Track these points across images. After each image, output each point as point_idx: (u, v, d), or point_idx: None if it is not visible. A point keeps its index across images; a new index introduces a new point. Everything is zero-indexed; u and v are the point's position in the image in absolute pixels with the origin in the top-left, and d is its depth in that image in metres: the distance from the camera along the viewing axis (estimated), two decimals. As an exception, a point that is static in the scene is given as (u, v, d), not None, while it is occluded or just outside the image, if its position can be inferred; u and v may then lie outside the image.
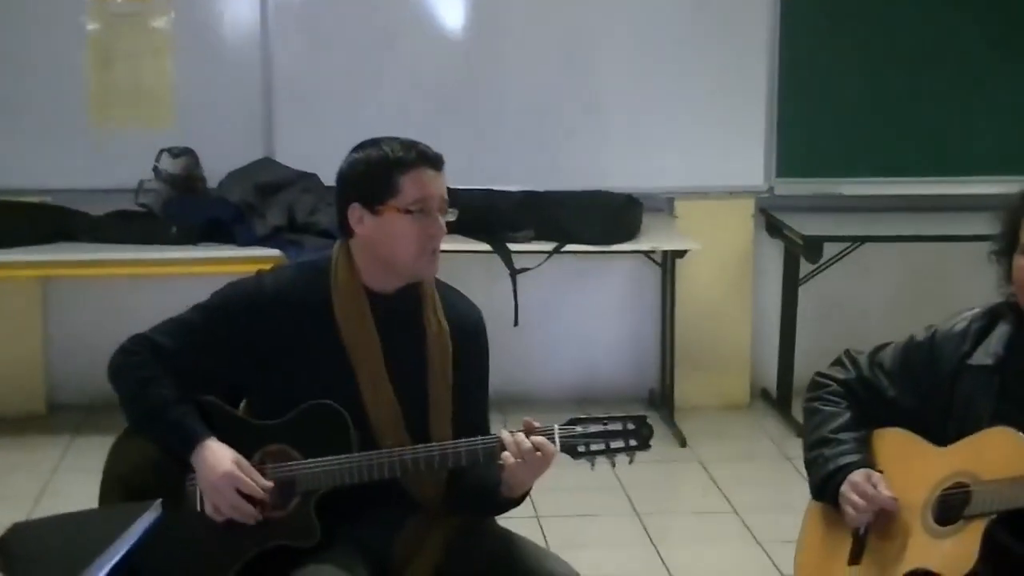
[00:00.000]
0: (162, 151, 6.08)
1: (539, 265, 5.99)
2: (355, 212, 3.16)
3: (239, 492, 3.09)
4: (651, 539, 5.07)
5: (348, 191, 3.18)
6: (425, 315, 3.22)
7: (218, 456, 3.11)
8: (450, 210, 3.18)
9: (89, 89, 6.24)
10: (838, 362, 3.42)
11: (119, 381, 3.22)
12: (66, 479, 5.55)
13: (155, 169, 6.07)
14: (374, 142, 3.18)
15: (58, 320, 6.48)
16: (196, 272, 5.69)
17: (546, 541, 4.96)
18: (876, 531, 3.17)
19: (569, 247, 6.00)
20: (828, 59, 6.45)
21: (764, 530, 5.12)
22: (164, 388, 3.16)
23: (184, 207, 5.99)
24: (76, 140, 6.23)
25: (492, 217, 6.03)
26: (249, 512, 3.11)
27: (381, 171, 3.13)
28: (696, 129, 6.45)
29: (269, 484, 3.12)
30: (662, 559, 4.90)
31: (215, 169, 6.14)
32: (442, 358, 3.21)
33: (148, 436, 3.21)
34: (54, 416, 6.39)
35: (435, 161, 3.14)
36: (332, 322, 3.18)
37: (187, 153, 6.11)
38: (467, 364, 3.25)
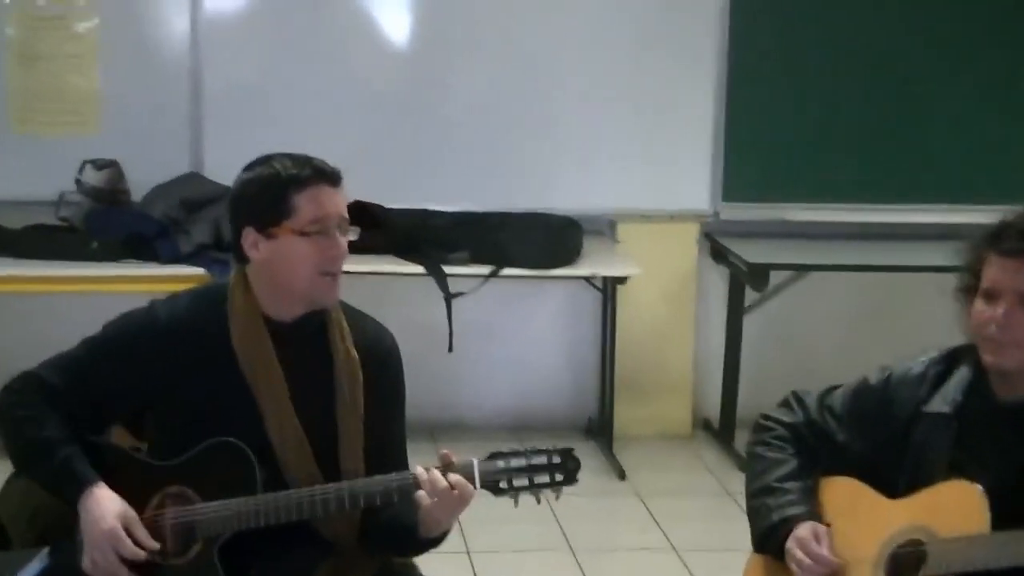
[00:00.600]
0: (85, 162, 5.87)
1: (475, 289, 5.81)
2: (249, 236, 2.96)
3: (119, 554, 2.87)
4: (586, 577, 4.89)
5: (240, 214, 2.99)
6: (332, 343, 3.02)
7: (103, 508, 2.89)
8: (352, 228, 2.98)
9: (9, 93, 6.00)
10: (785, 403, 3.23)
11: (4, 420, 3.01)
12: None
13: (77, 181, 5.85)
14: (265, 159, 3.00)
15: (-25, 337, 6.23)
16: (118, 290, 5.47)
17: (475, 577, 4.80)
18: None
19: (507, 271, 5.82)
20: (777, 81, 6.31)
21: (705, 570, 4.95)
22: (50, 429, 2.95)
23: (106, 221, 5.77)
24: (-4, 148, 6.00)
25: (426, 237, 5.87)
26: None
27: (273, 191, 2.93)
28: (640, 150, 6.29)
29: (155, 546, 2.90)
30: (597, 599, 4.72)
31: (140, 182, 5.93)
32: (351, 387, 3.01)
33: (35, 479, 2.99)
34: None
35: (332, 177, 2.95)
36: (231, 353, 2.97)
37: (111, 165, 5.90)
38: (380, 393, 3.06)
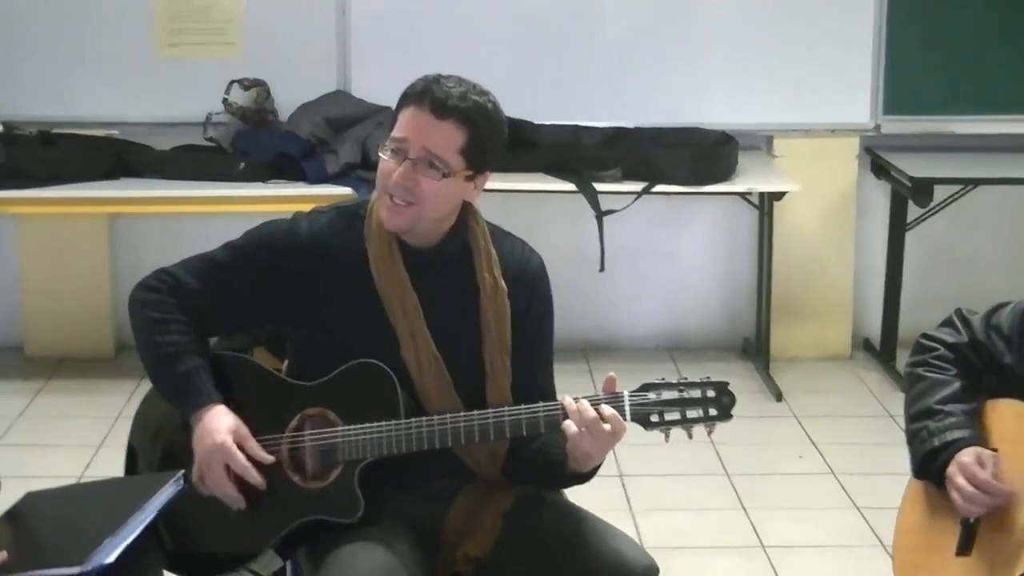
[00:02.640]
0: (232, 82, 5.85)
1: (627, 207, 5.65)
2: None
3: (230, 470, 2.80)
4: (742, 503, 4.75)
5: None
6: (477, 272, 2.89)
7: (216, 422, 2.82)
8: (429, 171, 2.79)
9: (156, 17, 5.98)
10: (948, 323, 3.05)
11: (134, 318, 2.95)
12: (128, 428, 5.32)
13: (224, 101, 5.84)
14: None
15: (125, 258, 6.25)
16: (265, 210, 5.39)
17: (630, 503, 4.72)
18: (988, 520, 2.80)
19: (659, 188, 5.66)
20: (940, -13, 6.04)
21: (864, 495, 4.78)
22: (180, 335, 2.88)
23: (253, 142, 5.75)
24: (142, 71, 6.01)
25: (577, 155, 5.74)
26: (232, 496, 2.82)
27: (396, 107, 2.84)
28: (797, 62, 6.07)
29: (269, 459, 2.81)
30: (753, 525, 4.59)
31: (286, 102, 5.89)
32: (498, 319, 2.89)
33: (156, 385, 2.95)
34: (122, 358, 6.17)
35: (435, 104, 2.77)
36: (369, 275, 2.87)
37: (258, 85, 5.87)
38: (528, 322, 2.93)
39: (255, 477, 2.80)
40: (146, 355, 2.93)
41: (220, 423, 2.81)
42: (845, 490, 4.85)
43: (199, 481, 2.83)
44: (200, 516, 2.84)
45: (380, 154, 2.84)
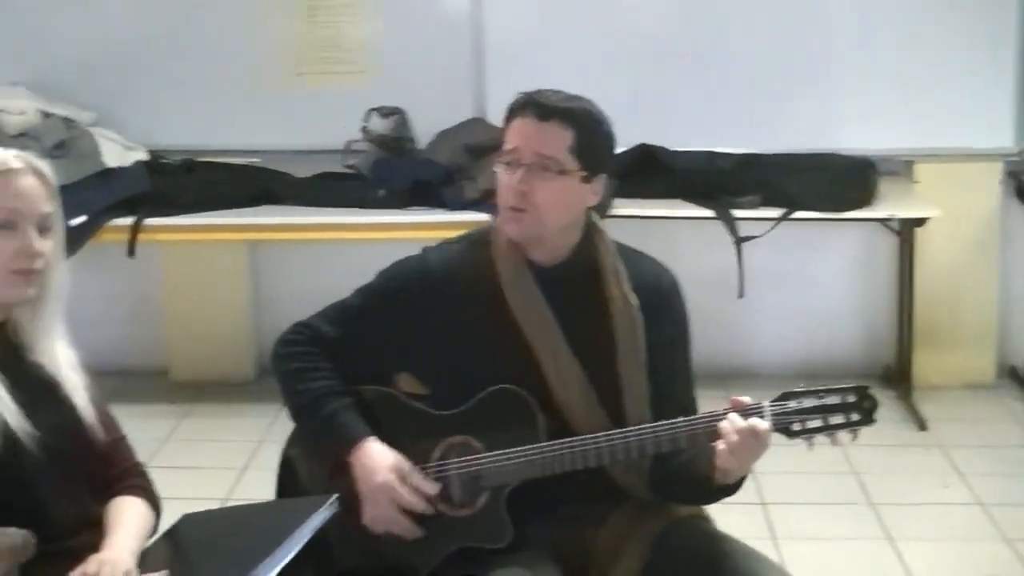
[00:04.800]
0: (371, 110, 5.90)
1: (766, 233, 5.61)
2: None
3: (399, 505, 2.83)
4: (887, 532, 4.67)
5: None
6: (606, 287, 2.89)
7: (376, 461, 2.85)
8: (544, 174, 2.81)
9: (297, 46, 6.08)
10: None
11: (277, 372, 3.01)
12: (271, 451, 5.34)
13: (363, 129, 5.89)
14: None
15: (266, 284, 6.36)
16: (404, 237, 5.48)
17: (772, 530, 4.66)
18: None
19: (798, 214, 5.61)
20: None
21: (1014, 527, 4.68)
22: (323, 380, 2.93)
23: (392, 169, 5.78)
24: (284, 99, 6.11)
25: (714, 180, 5.70)
26: (407, 529, 2.84)
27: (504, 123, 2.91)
28: (937, 85, 5.97)
29: (433, 490, 2.84)
30: (899, 555, 4.51)
31: (424, 129, 5.93)
32: (631, 336, 2.88)
33: (305, 432, 2.99)
34: (263, 383, 6.24)
35: (538, 109, 2.83)
36: (503, 298, 2.89)
37: (396, 113, 5.92)
38: (662, 337, 2.92)
39: (424, 508, 2.83)
40: (292, 405, 3.00)
41: (380, 462, 2.85)
42: (993, 521, 4.75)
43: (371, 522, 2.86)
44: (355, 548, 2.87)
45: (495, 170, 2.86)
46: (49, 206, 2.68)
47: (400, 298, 2.93)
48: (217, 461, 5.30)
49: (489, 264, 2.91)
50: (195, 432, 5.70)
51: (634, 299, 2.89)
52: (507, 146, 2.85)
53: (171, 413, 5.86)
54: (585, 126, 2.84)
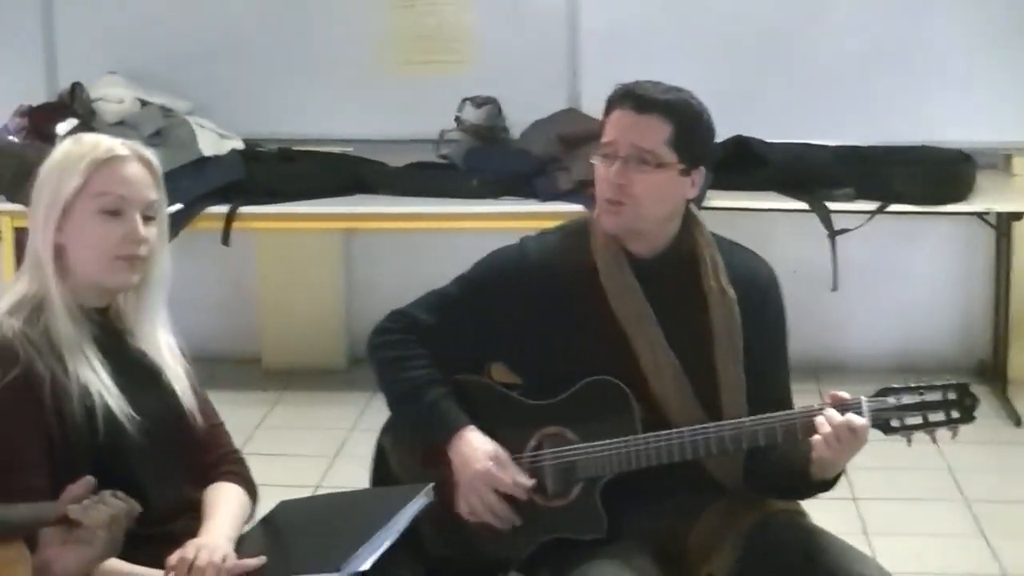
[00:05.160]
0: (465, 100, 5.93)
1: (860, 226, 5.56)
2: None
3: (498, 492, 2.83)
4: (981, 530, 4.62)
5: None
6: (703, 280, 2.88)
7: (474, 450, 2.86)
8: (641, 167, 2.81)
9: (390, 36, 6.11)
10: None
11: (374, 361, 3.02)
12: (363, 439, 5.39)
13: (457, 119, 5.92)
14: None
15: (359, 273, 6.40)
16: (497, 227, 5.49)
17: (864, 525, 4.62)
18: None
19: (893, 207, 5.55)
20: None
21: (1111, 523, 4.62)
22: (420, 368, 2.94)
23: (485, 159, 5.80)
24: (377, 89, 6.14)
25: (808, 173, 5.66)
26: (507, 517, 2.85)
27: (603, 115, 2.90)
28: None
29: (530, 483, 2.84)
30: (994, 552, 4.46)
31: (517, 119, 5.94)
32: (729, 329, 2.87)
33: (402, 420, 2.99)
34: (354, 371, 6.29)
35: (637, 101, 2.82)
36: (600, 289, 2.88)
37: (490, 102, 5.94)
38: (760, 330, 2.91)
39: (522, 494, 2.84)
40: (389, 393, 3.00)
41: (478, 451, 2.86)
42: (1091, 518, 4.70)
43: (467, 511, 2.87)
44: (447, 538, 2.89)
45: (593, 162, 2.85)
46: (154, 193, 2.72)
47: (497, 287, 2.93)
48: (309, 449, 5.34)
49: (587, 255, 2.91)
50: (287, 419, 5.74)
51: (732, 292, 2.88)
52: (605, 138, 2.85)
53: (263, 400, 5.91)
54: (684, 119, 2.83)
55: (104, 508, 2.28)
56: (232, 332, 6.37)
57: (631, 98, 2.83)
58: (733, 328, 2.88)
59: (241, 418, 5.62)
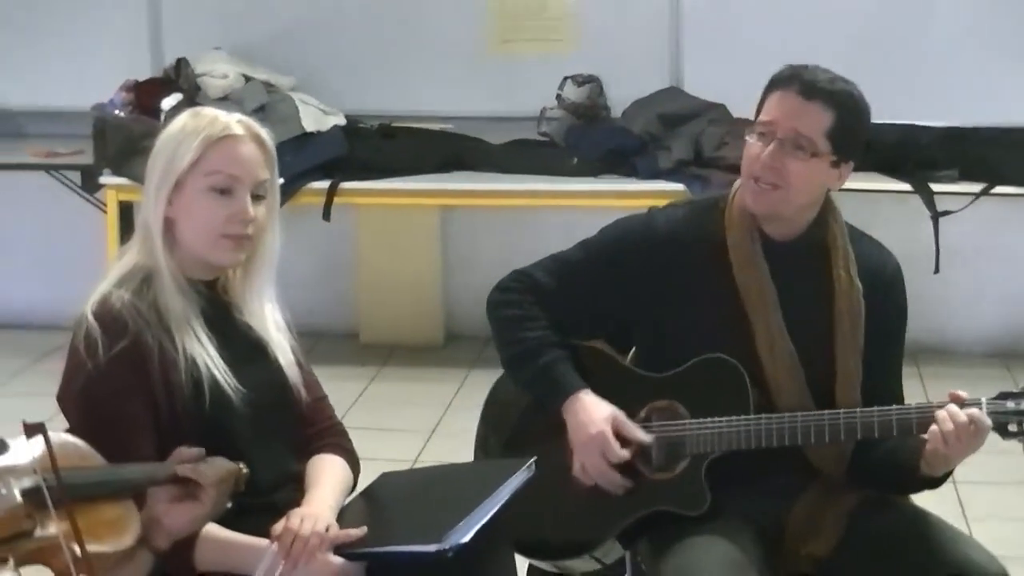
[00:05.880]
0: (566, 78, 5.94)
1: (964, 208, 5.50)
2: None
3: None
4: (1083, 515, 4.58)
5: None
6: (833, 270, 2.86)
7: (590, 413, 2.86)
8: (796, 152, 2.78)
9: (492, 14, 6.12)
10: None
11: (493, 319, 3.02)
12: (460, 415, 5.45)
13: (558, 97, 5.92)
14: None
15: (457, 250, 6.42)
16: (596, 205, 5.52)
17: (964, 510, 4.58)
18: None
19: (999, 189, 5.49)
20: None
21: None
22: (537, 330, 2.94)
23: (586, 137, 5.80)
24: (478, 67, 6.16)
25: (912, 154, 5.60)
26: (616, 483, 2.85)
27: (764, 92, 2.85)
28: None
29: (648, 439, 2.84)
30: (1097, 538, 4.40)
31: (618, 98, 5.94)
32: (852, 318, 2.85)
33: (517, 380, 3.00)
34: (451, 347, 6.32)
35: (804, 86, 2.77)
36: (726, 267, 2.86)
37: (592, 81, 5.94)
38: (881, 323, 2.89)
39: (627, 458, 2.84)
40: (506, 352, 3.00)
41: (595, 414, 2.85)
42: None
43: (580, 472, 2.88)
44: (548, 502, 2.88)
45: (746, 138, 2.84)
46: (266, 173, 2.73)
47: (621, 255, 2.93)
48: (406, 424, 5.37)
49: (717, 230, 2.89)
50: (384, 394, 5.78)
51: (859, 284, 2.86)
52: (763, 116, 2.82)
53: (360, 375, 5.94)
54: (847, 111, 2.80)
55: (214, 468, 2.30)
56: (331, 307, 6.42)
57: (798, 82, 2.79)
58: (857, 320, 2.86)
59: (339, 393, 5.59)
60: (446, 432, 5.27)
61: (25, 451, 2.04)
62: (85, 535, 1.96)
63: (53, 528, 1.95)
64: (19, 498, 1.97)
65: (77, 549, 1.94)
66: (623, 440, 2.85)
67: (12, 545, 1.91)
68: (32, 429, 2.01)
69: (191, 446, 2.49)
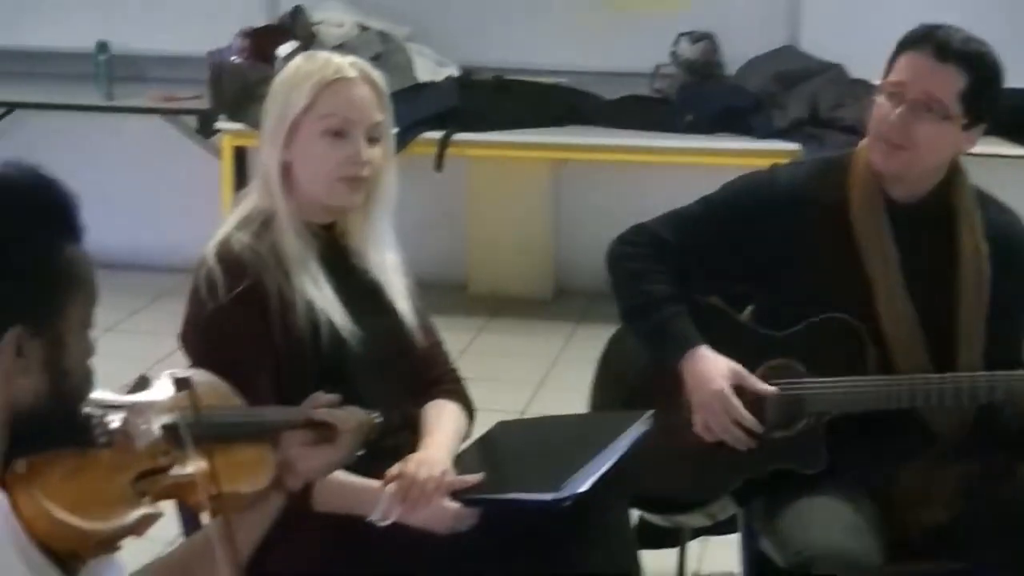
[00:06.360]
0: (681, 35, 5.89)
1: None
2: None
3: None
4: None
5: None
6: (959, 234, 2.82)
7: (710, 368, 2.85)
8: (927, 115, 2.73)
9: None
10: None
11: (613, 271, 3.01)
12: (567, 370, 5.46)
13: (672, 54, 5.89)
14: None
15: (568, 204, 6.41)
16: (710, 163, 5.48)
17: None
18: None
19: None
20: None
21: None
22: (657, 284, 2.93)
23: (700, 95, 5.77)
24: (593, 21, 6.11)
25: (1034, 119, 5.49)
26: (740, 438, 2.83)
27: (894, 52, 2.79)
28: None
29: (771, 390, 2.83)
30: None
31: (734, 56, 5.89)
32: (978, 283, 2.81)
33: (635, 333, 3.00)
34: (559, 302, 6.32)
35: (938, 48, 2.70)
36: (848, 227, 2.83)
37: (706, 38, 5.90)
38: (1005, 287, 2.84)
39: (752, 422, 2.83)
40: (625, 304, 2.99)
41: (715, 369, 2.85)
42: None
43: (703, 429, 2.88)
44: (664, 457, 2.88)
45: (875, 98, 2.80)
46: (380, 115, 2.73)
47: (742, 212, 2.92)
48: (513, 376, 5.38)
49: (840, 190, 2.86)
50: (491, 346, 5.79)
51: (985, 248, 2.82)
52: (894, 77, 2.77)
53: (468, 326, 5.95)
54: (981, 74, 2.74)
55: (351, 414, 2.32)
56: (440, 257, 6.42)
57: (932, 43, 2.73)
58: (983, 285, 2.82)
59: (447, 343, 5.71)
60: (554, 386, 5.28)
61: (167, 388, 2.07)
62: (221, 475, 1.97)
63: (190, 466, 1.97)
64: (159, 434, 1.99)
65: (213, 488, 1.95)
66: (743, 394, 2.84)
67: (150, 480, 1.93)
68: (181, 383, 2.03)
69: (308, 389, 2.52)
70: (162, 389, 2.08)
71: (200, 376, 2.19)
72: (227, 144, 5.90)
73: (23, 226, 1.77)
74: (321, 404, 2.32)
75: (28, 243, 1.77)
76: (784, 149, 5.33)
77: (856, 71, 5.46)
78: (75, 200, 1.83)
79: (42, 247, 1.78)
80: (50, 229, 1.79)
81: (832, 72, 5.66)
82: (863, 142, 2.87)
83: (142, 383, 2.13)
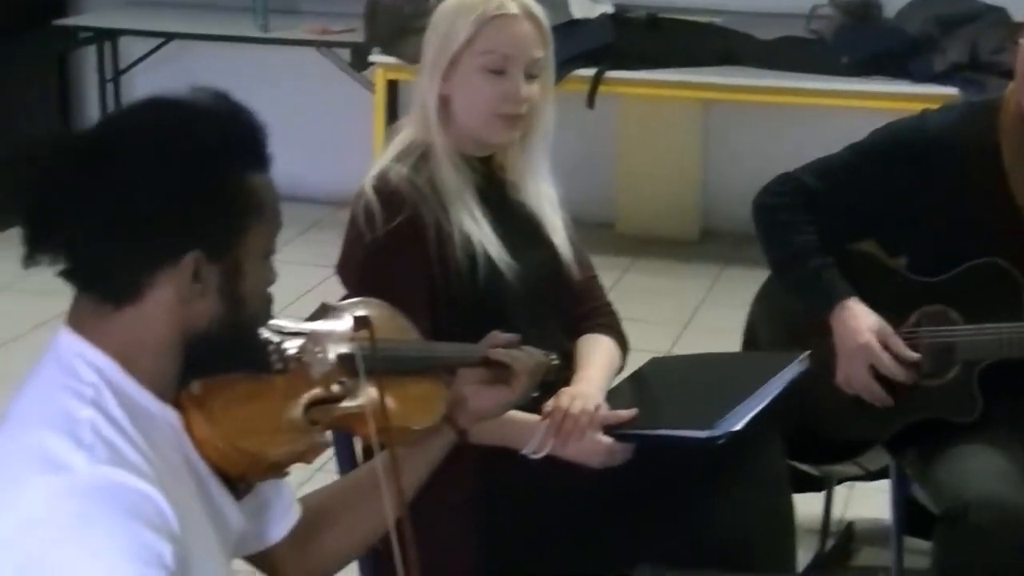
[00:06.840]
0: (839, -24, 5.77)
1: None
2: None
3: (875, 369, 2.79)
4: None
5: None
6: None
7: (857, 322, 2.82)
8: None
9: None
10: None
11: (760, 222, 2.99)
12: (713, 311, 5.44)
13: (831, -6, 5.78)
14: None
15: (717, 145, 6.36)
16: (865, 106, 5.39)
17: None
18: None
19: None
20: None
21: None
22: (807, 234, 2.91)
23: (857, 36, 5.66)
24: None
25: None
26: (879, 396, 2.81)
27: None
28: None
29: (914, 356, 2.79)
30: None
31: (893, -2, 5.76)
32: None
33: (784, 284, 2.99)
34: (706, 243, 6.30)
35: None
36: (1002, 172, 2.79)
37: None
38: None
39: (901, 376, 2.80)
40: (773, 255, 2.99)
41: (862, 323, 2.83)
42: None
43: (844, 381, 2.86)
44: (816, 404, 2.88)
45: (1021, 40, 2.75)
46: (540, 51, 2.72)
47: (892, 158, 2.88)
48: (659, 316, 5.36)
49: (992, 134, 2.82)
50: (638, 285, 5.78)
51: None
52: None
53: (615, 265, 5.92)
54: None
55: (528, 356, 2.29)
56: (588, 195, 6.36)
57: None
58: None
59: (597, 279, 5.72)
60: (700, 327, 5.26)
61: (346, 321, 2.07)
62: (392, 409, 1.98)
63: (363, 398, 1.97)
64: (334, 362, 2.00)
65: (383, 421, 1.96)
66: (892, 352, 2.81)
67: (321, 409, 1.93)
68: (360, 322, 2.03)
69: (465, 322, 2.53)
70: (341, 321, 2.09)
71: (378, 310, 2.19)
72: (380, 77, 5.93)
73: (211, 151, 1.76)
74: (499, 343, 2.27)
75: (215, 168, 1.76)
76: (942, 93, 5.22)
77: (1020, 14, 5.33)
78: (264, 129, 1.83)
79: (228, 173, 1.78)
80: (238, 156, 1.79)
81: (994, 15, 5.54)
82: (1011, 85, 2.81)
83: (322, 311, 2.13)
